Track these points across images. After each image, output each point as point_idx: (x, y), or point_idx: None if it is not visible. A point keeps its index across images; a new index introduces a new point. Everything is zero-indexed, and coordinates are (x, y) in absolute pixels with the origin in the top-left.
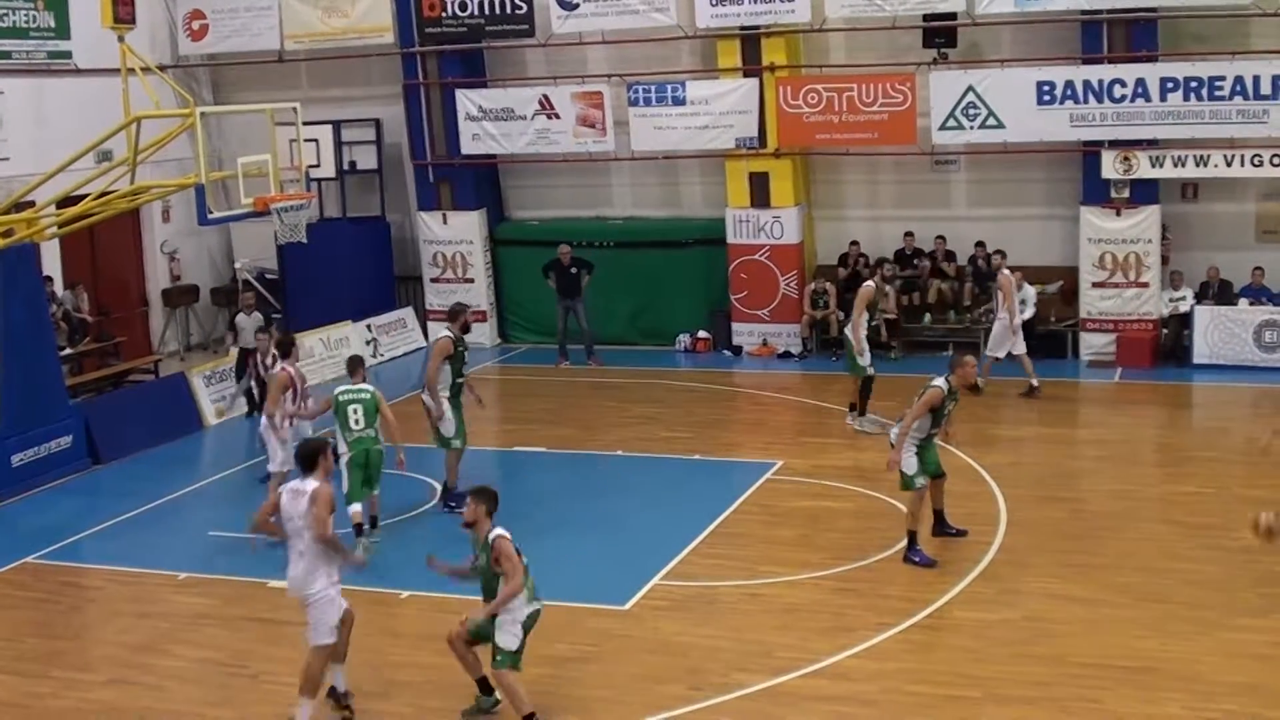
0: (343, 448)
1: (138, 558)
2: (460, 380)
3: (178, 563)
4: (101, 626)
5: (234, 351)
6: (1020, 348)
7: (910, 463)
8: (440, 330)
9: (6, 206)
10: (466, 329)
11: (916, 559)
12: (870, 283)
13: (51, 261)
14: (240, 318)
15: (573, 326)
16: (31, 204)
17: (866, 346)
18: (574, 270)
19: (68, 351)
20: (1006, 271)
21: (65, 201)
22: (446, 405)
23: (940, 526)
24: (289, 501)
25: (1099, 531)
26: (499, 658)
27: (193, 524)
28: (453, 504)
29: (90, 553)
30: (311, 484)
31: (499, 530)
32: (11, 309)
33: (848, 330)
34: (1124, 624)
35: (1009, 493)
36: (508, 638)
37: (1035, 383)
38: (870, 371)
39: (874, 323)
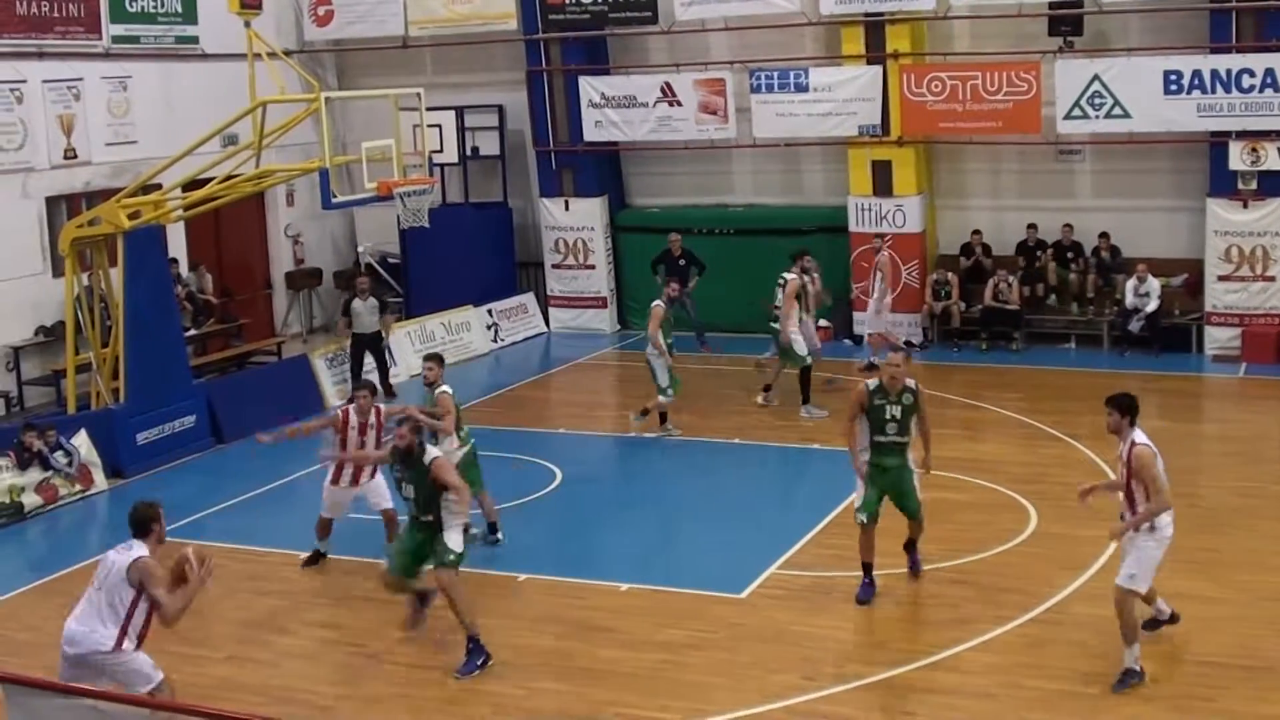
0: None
1: (258, 536)
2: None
3: (297, 542)
4: (221, 603)
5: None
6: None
7: (858, 493)
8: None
9: (134, 189)
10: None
11: (859, 593)
12: (793, 276)
13: (177, 244)
14: (356, 303)
15: (681, 317)
16: (158, 186)
17: (800, 336)
18: (683, 261)
19: (192, 332)
20: (887, 253)
21: (191, 184)
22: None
23: (912, 558)
24: (115, 555)
25: (1219, 528)
26: (452, 558)
27: (313, 504)
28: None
29: (211, 530)
30: (139, 550)
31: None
32: (138, 290)
33: (775, 324)
34: (1242, 622)
35: None
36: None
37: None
38: (809, 361)
39: (803, 314)
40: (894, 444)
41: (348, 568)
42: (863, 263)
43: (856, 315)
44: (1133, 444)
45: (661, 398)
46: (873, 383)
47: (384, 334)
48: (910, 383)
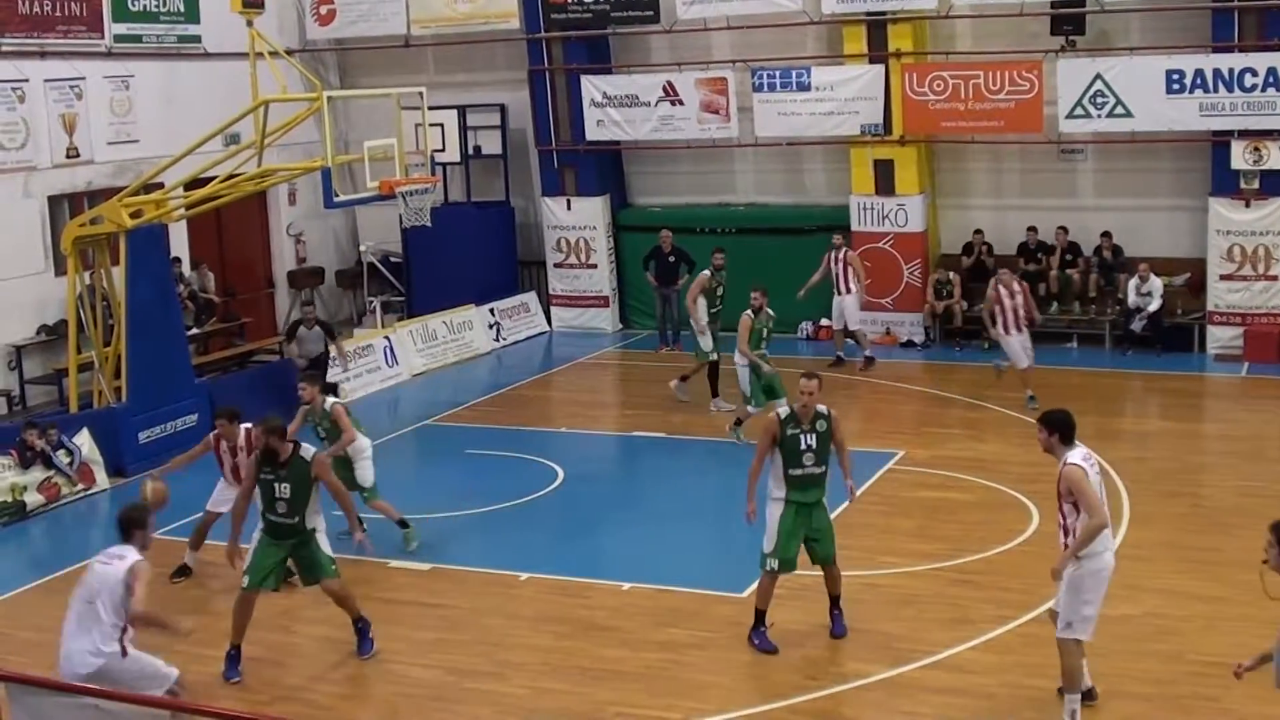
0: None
1: None
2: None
3: None
4: (224, 603)
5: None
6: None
7: (770, 536)
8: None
9: (136, 188)
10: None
11: (755, 641)
12: (705, 271)
13: (179, 243)
14: (301, 330)
15: (672, 316)
16: (160, 185)
17: (708, 330)
18: (673, 259)
19: (194, 331)
20: (847, 250)
21: (193, 183)
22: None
23: (833, 615)
24: (104, 566)
25: (1222, 528)
26: (334, 567)
27: None
28: None
29: (214, 530)
30: (131, 555)
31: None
32: (140, 289)
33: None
34: (1245, 622)
35: (1132, 487)
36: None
37: (848, 354)
38: (713, 357)
39: (714, 309)
40: (812, 476)
41: (348, 568)
42: (865, 262)
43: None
44: (1065, 464)
45: (749, 407)
46: (784, 411)
47: (335, 356)
48: (823, 409)
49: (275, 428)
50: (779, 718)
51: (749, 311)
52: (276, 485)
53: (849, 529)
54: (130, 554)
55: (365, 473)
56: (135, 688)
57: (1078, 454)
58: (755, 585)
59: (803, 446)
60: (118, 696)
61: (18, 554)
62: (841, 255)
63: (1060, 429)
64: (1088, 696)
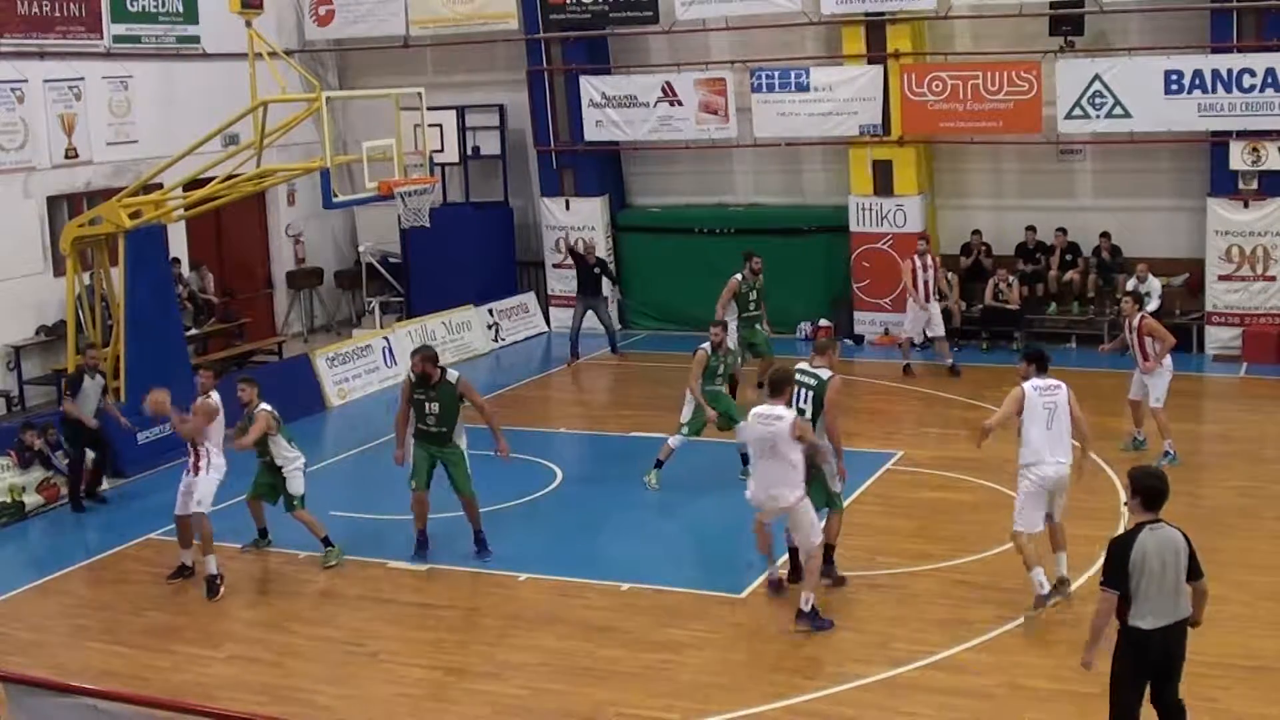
0: None
1: None
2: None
3: (299, 542)
4: (222, 603)
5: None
6: (938, 329)
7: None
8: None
9: (135, 188)
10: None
11: (837, 575)
12: (737, 275)
13: (178, 243)
14: (86, 382)
15: (607, 322)
16: (159, 186)
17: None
18: (596, 270)
19: (193, 332)
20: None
21: (192, 184)
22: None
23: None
24: (758, 426)
25: (1220, 528)
26: (472, 486)
27: (314, 504)
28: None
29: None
30: (783, 411)
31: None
32: (139, 289)
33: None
34: (1243, 622)
35: None
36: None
37: (950, 361)
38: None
39: (746, 314)
40: None
41: (351, 568)
42: (863, 262)
43: (857, 315)
44: None
45: (679, 435)
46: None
47: (108, 409)
48: None
49: (432, 355)
50: (779, 718)
51: (705, 346)
52: (427, 404)
53: (849, 529)
54: (785, 411)
55: (296, 483)
56: (803, 532)
57: (1031, 382)
58: (827, 526)
59: None
60: (118, 696)
61: (17, 554)
62: (933, 261)
63: (1033, 360)
64: (1059, 585)
